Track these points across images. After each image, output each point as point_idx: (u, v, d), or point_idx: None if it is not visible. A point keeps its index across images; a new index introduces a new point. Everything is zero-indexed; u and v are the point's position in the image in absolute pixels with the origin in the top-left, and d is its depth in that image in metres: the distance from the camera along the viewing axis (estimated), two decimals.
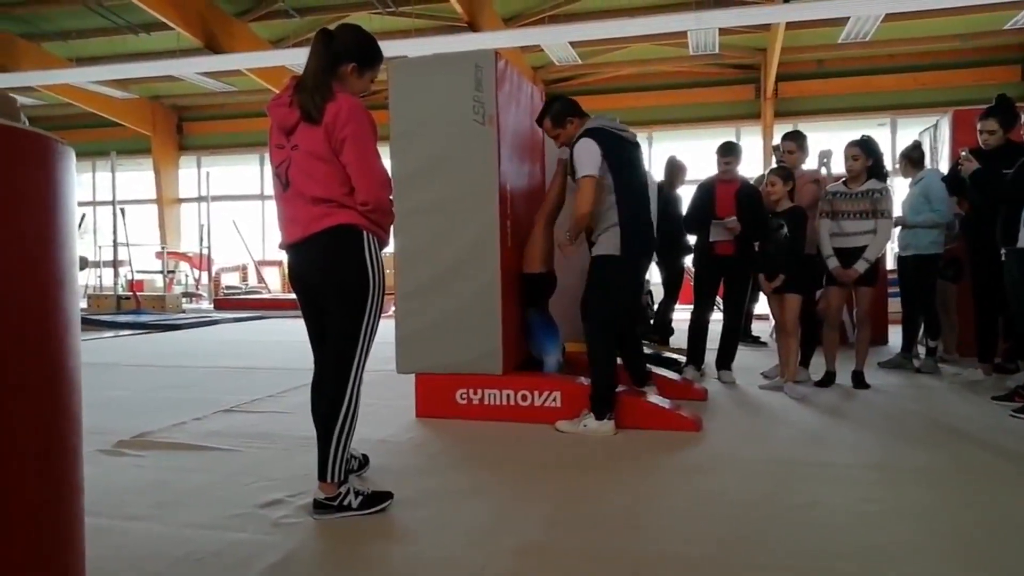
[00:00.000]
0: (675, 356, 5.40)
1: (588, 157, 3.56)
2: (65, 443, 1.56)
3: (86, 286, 14.14)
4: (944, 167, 5.88)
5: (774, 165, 5.34)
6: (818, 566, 2.07)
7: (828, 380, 4.77)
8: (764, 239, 4.61)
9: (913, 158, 5.49)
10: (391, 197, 2.50)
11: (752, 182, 5.21)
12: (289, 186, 2.44)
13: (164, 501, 2.65)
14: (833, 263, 4.64)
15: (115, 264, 12.20)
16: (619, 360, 3.88)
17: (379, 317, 2.51)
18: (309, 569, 2.11)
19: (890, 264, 7.27)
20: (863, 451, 3.29)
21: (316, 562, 2.17)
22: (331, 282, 2.44)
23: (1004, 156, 4.24)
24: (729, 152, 4.93)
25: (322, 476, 2.46)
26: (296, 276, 2.55)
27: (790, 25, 11.18)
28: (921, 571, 2.03)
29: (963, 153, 4.39)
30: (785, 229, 4.46)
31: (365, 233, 2.43)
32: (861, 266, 4.56)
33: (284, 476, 2.90)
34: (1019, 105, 5.25)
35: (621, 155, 3.67)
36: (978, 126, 4.70)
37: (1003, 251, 4.05)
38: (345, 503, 2.47)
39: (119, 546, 2.22)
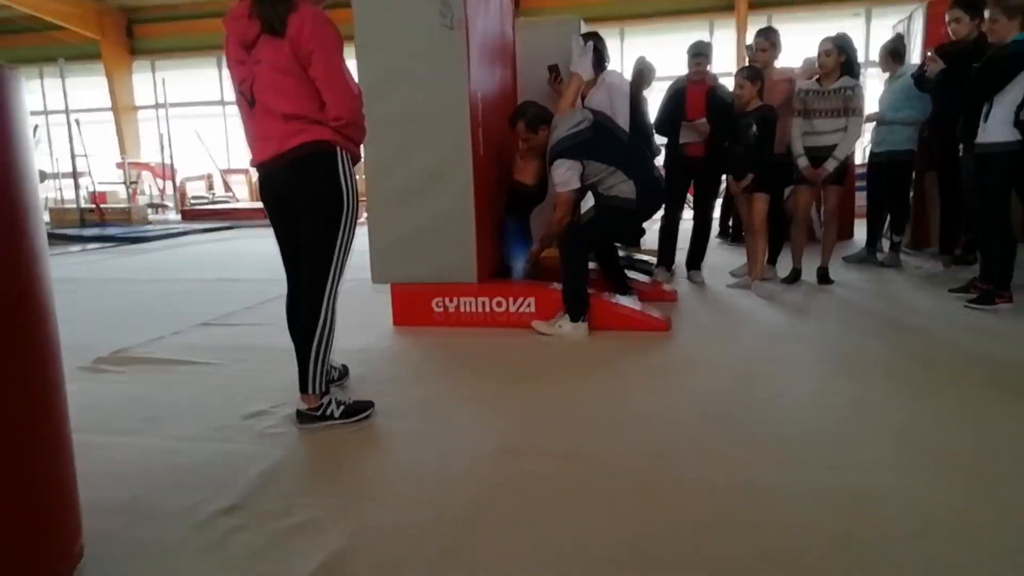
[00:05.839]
0: (646, 258, 5.48)
1: (568, 175, 3.67)
2: (45, 365, 1.59)
3: (46, 199, 13.77)
4: (917, 60, 5.85)
5: (747, 63, 5.26)
6: (780, 456, 2.20)
7: (794, 277, 4.90)
8: (734, 140, 4.61)
9: (895, 53, 5.46)
10: (363, 111, 2.45)
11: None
12: (255, 103, 2.37)
13: (150, 416, 2.71)
14: (803, 163, 4.67)
15: (75, 176, 11.84)
16: (595, 266, 3.95)
17: (354, 232, 2.51)
18: (298, 476, 2.20)
19: (859, 159, 7.34)
20: (827, 346, 3.43)
21: (304, 469, 2.26)
22: (305, 199, 2.42)
23: (975, 53, 4.22)
24: (700, 53, 4.85)
25: (303, 388, 2.52)
26: (269, 194, 2.52)
27: None
28: (871, 455, 2.18)
29: (929, 54, 4.40)
30: (755, 128, 4.45)
31: (338, 149, 2.39)
32: (831, 164, 4.60)
33: (266, 388, 2.97)
34: None
35: (596, 145, 3.70)
36: (946, 16, 4.72)
37: (961, 148, 4.11)
38: (328, 413, 2.54)
39: (110, 460, 2.28)
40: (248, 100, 2.39)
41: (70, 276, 6.37)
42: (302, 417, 2.55)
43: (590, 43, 4.31)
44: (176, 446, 2.41)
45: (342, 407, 2.57)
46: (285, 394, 2.80)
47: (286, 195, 2.46)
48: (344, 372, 3.07)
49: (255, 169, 2.54)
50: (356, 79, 2.46)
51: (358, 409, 2.60)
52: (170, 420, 2.66)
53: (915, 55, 6.04)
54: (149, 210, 13.30)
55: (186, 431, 2.54)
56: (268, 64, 2.31)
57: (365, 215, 4.03)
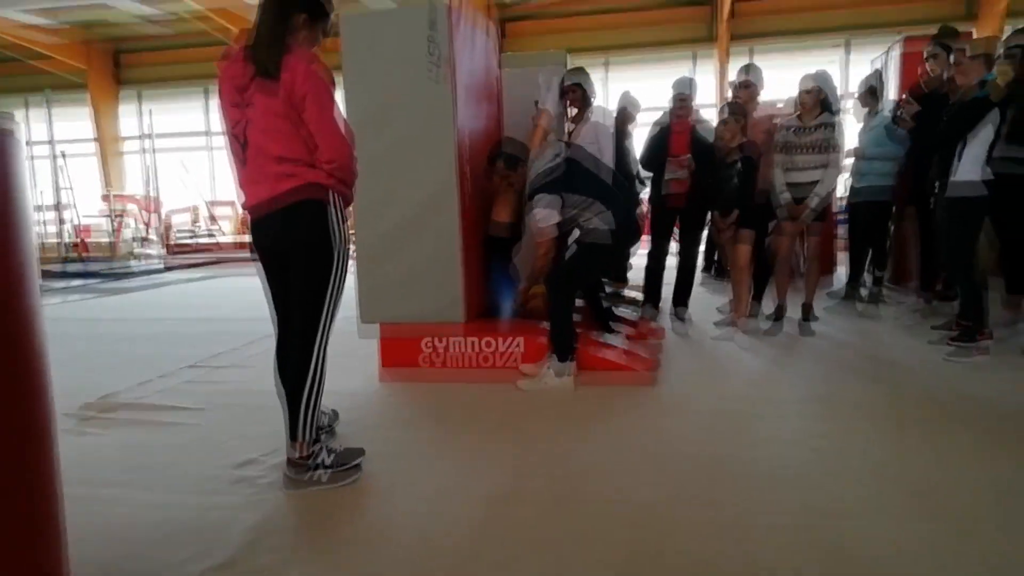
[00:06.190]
0: (633, 296, 5.52)
1: (549, 211, 3.68)
2: (39, 423, 1.60)
3: None
4: (894, 95, 6.00)
5: (729, 99, 5.36)
6: (765, 498, 2.23)
7: (779, 314, 4.94)
8: (718, 178, 4.68)
9: (873, 90, 5.60)
10: (355, 154, 2.48)
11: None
12: (248, 146, 2.39)
13: (137, 465, 2.69)
14: (786, 198, 4.74)
15: (59, 210, 11.78)
16: (582, 304, 3.98)
17: (344, 278, 2.53)
18: (290, 529, 2.19)
19: (840, 193, 7.45)
20: (811, 387, 3.47)
21: (296, 522, 2.25)
22: (295, 248, 2.43)
23: (948, 95, 4.34)
24: (683, 91, 4.94)
25: (293, 437, 2.51)
26: (259, 238, 2.52)
27: None
28: (851, 500, 2.20)
29: (904, 96, 4.56)
30: (739, 165, 4.53)
31: (330, 193, 2.42)
32: (812, 201, 4.66)
33: (256, 434, 2.96)
34: (964, 32, 5.38)
35: (573, 178, 3.73)
36: (924, 52, 4.95)
37: (936, 186, 4.21)
38: (318, 462, 2.53)
39: (97, 514, 2.26)
40: (241, 143, 2.42)
41: (54, 315, 6.33)
42: (292, 466, 2.53)
43: (555, 79, 4.40)
44: (164, 499, 2.39)
45: (333, 455, 2.57)
46: (274, 441, 2.78)
47: (277, 242, 2.47)
48: (334, 417, 3.06)
49: (246, 213, 2.55)
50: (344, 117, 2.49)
51: (348, 456, 2.60)
52: (158, 471, 2.64)
53: (893, 91, 6.17)
54: (134, 244, 13.23)
55: (174, 483, 2.52)
56: (261, 108, 2.34)
57: (354, 253, 4.05)
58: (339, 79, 2.92)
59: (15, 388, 1.52)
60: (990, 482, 2.32)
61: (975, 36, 4.69)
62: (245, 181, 2.47)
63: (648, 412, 3.19)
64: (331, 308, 2.50)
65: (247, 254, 10.47)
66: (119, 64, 16.92)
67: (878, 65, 6.65)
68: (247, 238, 2.65)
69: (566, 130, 4.92)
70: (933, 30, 5.24)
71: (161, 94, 16.88)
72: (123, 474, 2.62)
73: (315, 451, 2.53)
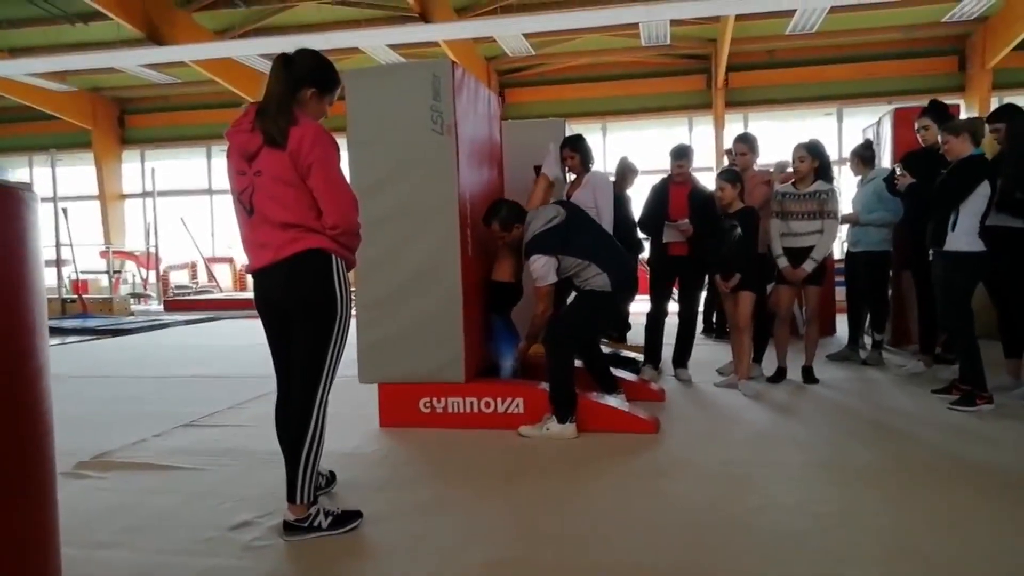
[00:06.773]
0: (633, 356, 5.52)
1: (545, 270, 3.78)
2: (42, 486, 1.60)
3: None
4: (887, 163, 6.13)
5: (726, 165, 5.46)
6: (768, 569, 2.18)
7: (779, 376, 4.94)
8: (717, 240, 4.73)
9: (865, 157, 5.77)
10: (359, 219, 2.52)
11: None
12: (254, 212, 2.43)
13: (132, 526, 2.64)
14: (783, 262, 4.79)
15: (58, 264, 11.82)
16: (581, 364, 3.98)
17: (345, 340, 2.54)
18: None
19: (837, 254, 7.54)
20: (813, 450, 3.44)
21: None
22: (299, 305, 2.45)
23: (943, 160, 4.44)
24: (682, 155, 5.05)
25: (291, 498, 2.48)
26: (264, 300, 2.55)
27: (739, 17, 11.37)
28: (858, 567, 2.16)
29: (898, 171, 4.69)
30: (739, 229, 4.58)
31: (334, 257, 2.45)
32: (809, 266, 4.72)
33: (252, 495, 2.91)
34: (952, 105, 5.55)
35: (569, 240, 3.81)
36: (915, 125, 5.09)
37: (931, 252, 4.27)
38: (315, 524, 2.49)
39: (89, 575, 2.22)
40: (247, 209, 2.45)
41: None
42: (289, 528, 2.49)
43: (555, 147, 4.51)
44: (158, 561, 2.34)
45: (330, 517, 2.53)
46: (271, 502, 2.74)
47: (280, 301, 2.49)
48: (331, 478, 3.02)
49: (251, 276, 2.58)
50: (348, 180, 2.54)
51: (346, 519, 2.57)
52: (152, 532, 2.59)
53: (885, 158, 6.32)
54: (131, 300, 13.23)
55: (169, 544, 2.47)
56: (268, 174, 2.39)
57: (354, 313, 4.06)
58: (343, 137, 2.99)
59: (20, 450, 1.53)
60: (996, 549, 2.29)
61: (963, 109, 4.84)
62: (250, 245, 2.51)
63: (649, 471, 3.16)
64: (332, 366, 2.51)
65: (245, 307, 10.38)
66: (123, 124, 17.25)
67: (869, 135, 6.82)
68: (246, 294, 2.67)
69: (564, 193, 5.01)
70: (923, 100, 5.41)
71: (164, 153, 17.16)
72: (114, 534, 2.57)
73: (312, 513, 2.50)
